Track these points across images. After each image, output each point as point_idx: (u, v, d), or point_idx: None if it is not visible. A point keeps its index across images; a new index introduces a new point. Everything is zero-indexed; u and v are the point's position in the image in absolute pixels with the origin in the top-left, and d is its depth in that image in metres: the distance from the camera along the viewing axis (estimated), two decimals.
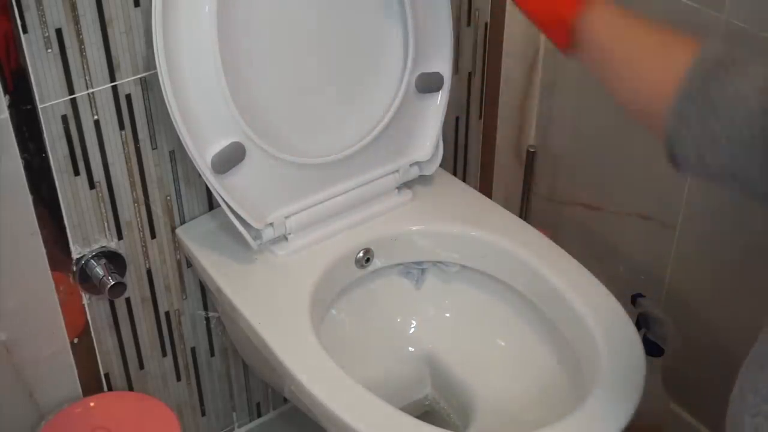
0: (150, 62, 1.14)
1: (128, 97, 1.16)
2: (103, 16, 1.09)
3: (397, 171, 1.31)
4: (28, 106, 1.09)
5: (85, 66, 1.10)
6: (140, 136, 1.19)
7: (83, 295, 1.25)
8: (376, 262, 1.29)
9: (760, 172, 0.75)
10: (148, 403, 1.31)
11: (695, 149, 0.80)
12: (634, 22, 0.93)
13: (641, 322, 1.40)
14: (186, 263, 1.33)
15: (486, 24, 1.48)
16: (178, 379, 1.43)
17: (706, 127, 0.79)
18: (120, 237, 1.24)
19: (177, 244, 1.31)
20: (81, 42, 1.09)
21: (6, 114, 1.07)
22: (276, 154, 1.17)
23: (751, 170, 0.76)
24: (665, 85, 0.83)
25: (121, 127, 1.17)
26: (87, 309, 1.27)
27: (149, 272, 1.30)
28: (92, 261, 1.22)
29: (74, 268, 1.22)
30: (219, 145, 1.14)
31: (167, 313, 1.36)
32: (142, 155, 1.21)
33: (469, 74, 1.51)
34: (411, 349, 1.34)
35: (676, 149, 0.82)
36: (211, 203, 1.31)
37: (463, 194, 1.38)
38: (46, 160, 1.13)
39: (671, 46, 0.87)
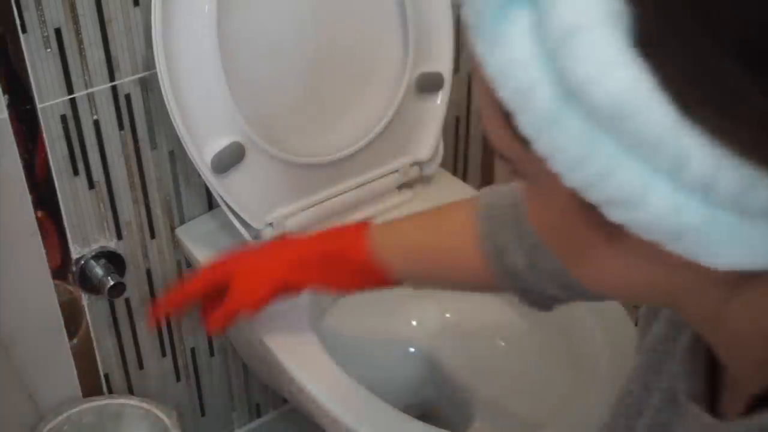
0: (150, 62, 1.14)
1: (128, 97, 1.16)
2: (103, 15, 1.09)
3: (397, 171, 1.31)
4: (28, 106, 1.08)
5: (84, 66, 1.10)
6: (140, 136, 1.19)
7: (83, 295, 1.25)
8: None
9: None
10: None
11: (529, 282, 0.84)
12: (408, 230, 0.96)
13: None
14: (186, 263, 1.33)
15: None
16: (178, 379, 1.43)
17: (519, 256, 0.84)
18: (120, 237, 1.24)
19: (177, 244, 1.30)
20: (80, 42, 1.09)
21: (5, 114, 1.07)
22: (276, 154, 1.17)
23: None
24: (474, 254, 0.87)
25: (121, 127, 1.17)
26: (87, 309, 1.26)
27: (149, 272, 1.30)
28: (92, 261, 1.22)
29: (74, 268, 1.22)
30: (219, 145, 1.13)
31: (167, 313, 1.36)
32: (141, 155, 1.21)
33: (469, 74, 1.51)
34: (411, 349, 1.34)
35: (522, 293, 0.87)
36: (211, 203, 1.31)
37: (463, 194, 1.38)
38: (45, 160, 1.13)
39: (453, 227, 0.91)
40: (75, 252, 1.21)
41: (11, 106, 1.07)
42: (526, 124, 0.43)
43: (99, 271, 1.21)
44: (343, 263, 0.97)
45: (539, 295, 0.86)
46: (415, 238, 0.95)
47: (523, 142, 0.44)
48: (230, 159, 1.14)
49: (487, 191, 0.90)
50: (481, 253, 0.87)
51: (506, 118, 0.44)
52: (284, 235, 1.08)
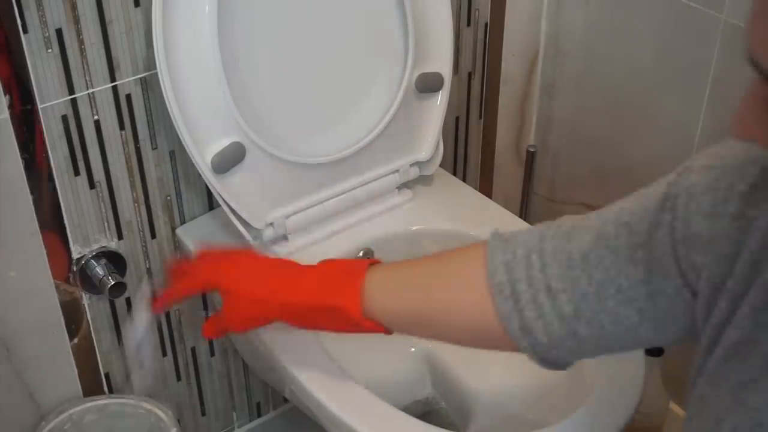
0: (150, 62, 1.14)
1: (128, 97, 1.16)
2: (103, 16, 1.09)
3: (397, 171, 1.31)
4: (29, 106, 1.09)
5: (85, 66, 1.11)
6: (140, 136, 1.19)
7: (83, 295, 1.25)
8: None
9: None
10: None
11: (545, 328, 0.82)
12: (408, 274, 0.94)
13: None
14: None
15: (486, 24, 1.48)
16: (178, 379, 1.43)
17: (537, 302, 0.81)
18: (120, 237, 1.25)
19: (177, 244, 1.31)
20: (81, 42, 1.09)
21: (6, 114, 1.07)
22: (276, 154, 1.17)
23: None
24: (484, 305, 0.84)
25: (121, 127, 1.17)
26: (87, 309, 1.27)
27: (149, 272, 1.30)
28: (92, 261, 1.22)
29: (74, 268, 1.22)
30: (219, 145, 1.14)
31: (167, 313, 1.36)
32: (142, 155, 1.21)
33: (469, 74, 1.51)
34: (411, 349, 1.34)
35: (537, 348, 0.84)
36: (211, 203, 1.31)
37: (463, 194, 1.38)
38: (46, 160, 1.13)
39: (454, 277, 0.88)
40: (76, 252, 1.21)
41: (12, 107, 1.07)
42: None
43: (100, 270, 1.21)
44: (336, 318, 0.96)
45: (556, 350, 0.84)
46: (409, 299, 0.93)
47: None
48: (230, 159, 1.15)
49: (495, 241, 0.87)
50: (493, 310, 0.84)
51: None
52: (283, 260, 1.07)
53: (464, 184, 1.42)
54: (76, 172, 1.16)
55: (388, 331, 0.96)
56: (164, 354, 1.39)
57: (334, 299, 0.94)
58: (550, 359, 0.86)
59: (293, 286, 0.99)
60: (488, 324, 0.84)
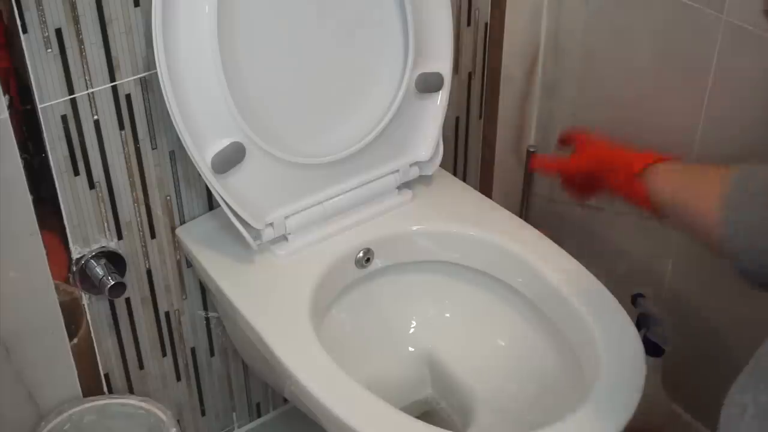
0: (150, 62, 1.14)
1: (128, 97, 1.16)
2: (103, 16, 1.09)
3: (397, 171, 1.31)
4: (28, 107, 1.09)
5: (84, 66, 1.10)
6: (140, 136, 1.19)
7: (83, 295, 1.25)
8: (376, 262, 1.29)
9: None
10: None
11: (751, 248, 0.87)
12: (687, 169, 1.01)
13: (641, 322, 1.40)
14: (186, 263, 1.33)
15: (486, 24, 1.48)
16: (178, 379, 1.43)
17: (755, 221, 0.86)
18: (120, 237, 1.24)
19: (177, 244, 1.31)
20: (81, 42, 1.09)
21: (6, 114, 1.07)
22: (276, 154, 1.17)
23: None
24: (714, 213, 0.91)
25: (121, 127, 1.17)
26: (87, 309, 1.27)
27: (149, 272, 1.30)
28: (92, 261, 1.22)
29: (74, 268, 1.22)
30: (219, 145, 1.14)
31: (167, 313, 1.36)
32: (142, 155, 1.21)
33: (469, 74, 1.51)
34: (411, 349, 1.34)
35: (740, 258, 0.89)
36: (211, 203, 1.31)
37: (463, 194, 1.38)
38: (46, 160, 1.13)
39: (711, 178, 0.94)
40: (75, 252, 1.21)
41: (12, 107, 1.07)
42: None
43: (99, 271, 1.21)
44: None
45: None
46: (684, 176, 1.00)
47: None
48: (230, 159, 1.15)
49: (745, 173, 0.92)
50: (720, 227, 0.89)
51: None
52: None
53: (464, 184, 1.42)
54: (76, 173, 1.16)
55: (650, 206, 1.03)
56: (164, 354, 1.39)
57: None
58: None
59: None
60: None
